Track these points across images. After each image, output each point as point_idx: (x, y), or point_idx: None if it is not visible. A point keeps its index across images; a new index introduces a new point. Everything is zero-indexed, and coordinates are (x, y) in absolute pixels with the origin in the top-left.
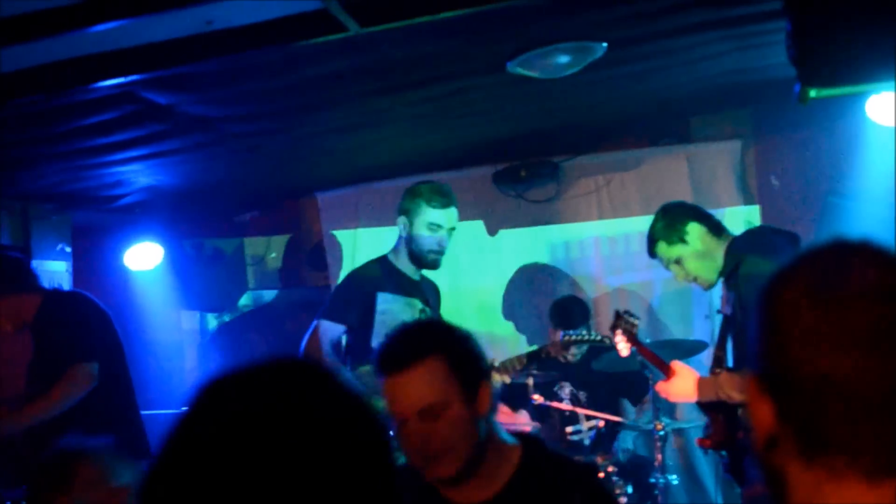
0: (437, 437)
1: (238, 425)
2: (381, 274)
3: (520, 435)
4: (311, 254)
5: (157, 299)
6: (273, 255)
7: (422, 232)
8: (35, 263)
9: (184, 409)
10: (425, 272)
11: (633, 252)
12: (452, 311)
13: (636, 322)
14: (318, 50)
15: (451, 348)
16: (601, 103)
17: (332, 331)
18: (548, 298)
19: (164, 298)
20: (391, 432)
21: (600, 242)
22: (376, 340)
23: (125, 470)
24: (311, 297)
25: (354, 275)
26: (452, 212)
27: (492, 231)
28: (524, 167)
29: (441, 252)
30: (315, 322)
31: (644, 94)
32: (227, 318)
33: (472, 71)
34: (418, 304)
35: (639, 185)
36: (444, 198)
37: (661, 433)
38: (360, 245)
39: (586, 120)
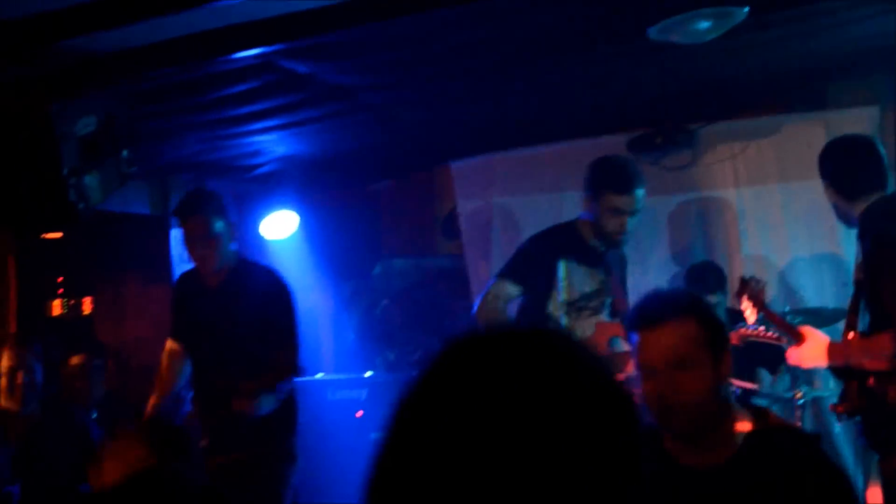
0: (683, 389)
1: (490, 385)
2: (566, 241)
3: (748, 405)
4: (445, 223)
5: (292, 267)
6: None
7: (604, 214)
8: (173, 232)
9: (428, 368)
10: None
11: (768, 220)
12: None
13: (763, 287)
14: (460, 16)
15: (703, 312)
16: (739, 69)
17: (510, 291)
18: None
19: (299, 267)
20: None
21: (736, 210)
22: (552, 306)
23: None
24: (443, 265)
25: (539, 239)
26: (635, 195)
27: None
28: (659, 134)
29: (623, 233)
30: (492, 281)
31: (783, 60)
32: (360, 286)
33: (613, 37)
34: (599, 275)
35: (775, 153)
36: (627, 182)
37: (801, 402)
38: (496, 213)
39: (723, 86)
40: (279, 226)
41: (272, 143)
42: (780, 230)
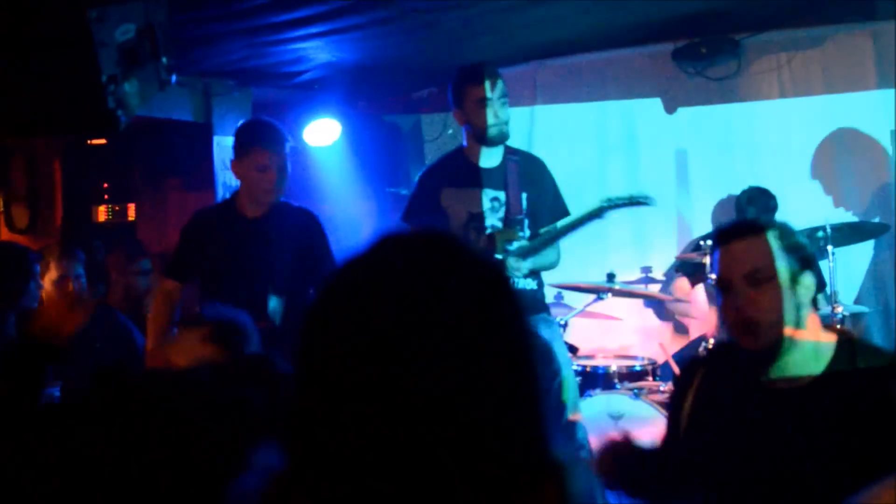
0: (759, 303)
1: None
2: (444, 169)
3: (833, 328)
4: None
5: (334, 175)
6: (450, 131)
7: (471, 111)
8: (216, 139)
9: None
10: (522, 148)
11: (814, 132)
12: (628, 188)
13: None
14: None
15: (783, 230)
16: None
17: None
18: None
19: (341, 174)
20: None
21: (780, 121)
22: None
23: None
24: None
25: (421, 177)
26: (489, 83)
27: (670, 109)
28: (704, 44)
29: (501, 122)
30: (398, 227)
31: None
32: (403, 193)
33: None
34: (489, 193)
35: (822, 64)
36: (479, 71)
37: (840, 316)
38: (537, 122)
39: None
40: (322, 133)
41: (315, 51)
42: (824, 142)
